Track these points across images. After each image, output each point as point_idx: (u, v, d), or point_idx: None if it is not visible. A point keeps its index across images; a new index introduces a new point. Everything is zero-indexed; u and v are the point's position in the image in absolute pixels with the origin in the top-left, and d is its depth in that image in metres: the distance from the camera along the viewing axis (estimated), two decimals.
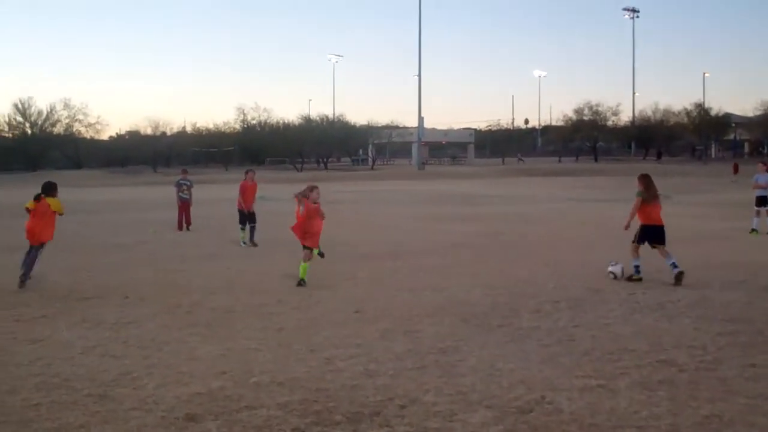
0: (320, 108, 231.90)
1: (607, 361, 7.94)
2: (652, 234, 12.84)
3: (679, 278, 12.33)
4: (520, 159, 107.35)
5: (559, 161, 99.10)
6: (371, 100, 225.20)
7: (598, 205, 32.26)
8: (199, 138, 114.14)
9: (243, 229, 19.54)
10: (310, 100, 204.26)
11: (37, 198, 13.35)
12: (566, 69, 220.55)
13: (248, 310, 10.81)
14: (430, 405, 6.54)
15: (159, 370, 7.71)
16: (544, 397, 6.71)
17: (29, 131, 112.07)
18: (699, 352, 8.28)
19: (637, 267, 12.87)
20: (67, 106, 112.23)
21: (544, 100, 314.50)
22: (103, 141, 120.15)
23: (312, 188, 12.41)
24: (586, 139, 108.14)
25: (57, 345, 8.91)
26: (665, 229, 12.95)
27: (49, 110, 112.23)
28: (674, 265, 12.44)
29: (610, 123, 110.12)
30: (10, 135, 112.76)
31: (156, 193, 46.51)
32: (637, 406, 6.49)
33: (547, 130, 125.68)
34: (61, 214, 13.75)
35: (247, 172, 20.62)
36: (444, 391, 6.88)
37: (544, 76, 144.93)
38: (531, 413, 6.37)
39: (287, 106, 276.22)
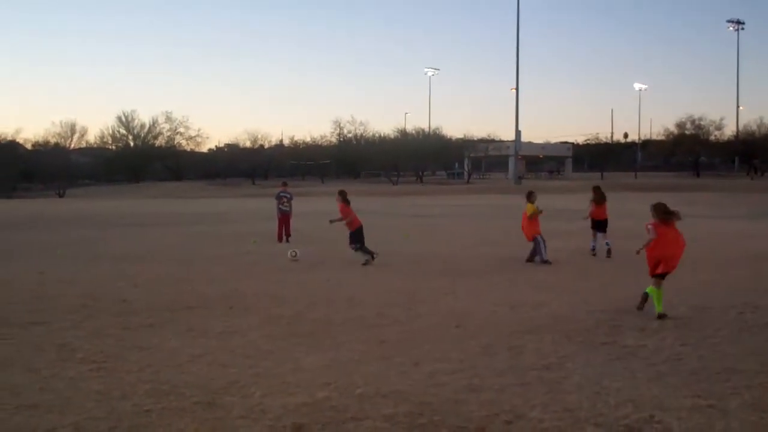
0: (416, 121, 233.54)
1: (716, 381, 7.72)
2: (598, 224, 19.31)
3: (609, 253, 18.58)
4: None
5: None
6: (468, 114, 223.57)
7: (702, 221, 31.39)
8: (296, 151, 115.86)
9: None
10: (406, 113, 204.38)
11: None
12: (668, 82, 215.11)
13: (349, 322, 10.91)
14: (537, 422, 6.46)
15: (265, 380, 7.83)
16: (653, 417, 6.56)
17: (132, 143, 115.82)
18: None
19: (593, 246, 19.25)
20: (168, 119, 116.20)
21: (644, 114, 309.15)
22: (202, 153, 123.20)
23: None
24: (687, 154, 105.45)
25: (165, 353, 9.15)
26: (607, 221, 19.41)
27: (151, 123, 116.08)
28: (608, 245, 18.72)
29: (712, 138, 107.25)
30: (114, 147, 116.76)
31: (254, 205, 47.36)
32: (750, 428, 6.31)
33: (647, 144, 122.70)
34: (530, 215, 17.69)
35: None
36: (550, 408, 6.79)
37: (645, 90, 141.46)
38: None
39: (383, 119, 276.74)
